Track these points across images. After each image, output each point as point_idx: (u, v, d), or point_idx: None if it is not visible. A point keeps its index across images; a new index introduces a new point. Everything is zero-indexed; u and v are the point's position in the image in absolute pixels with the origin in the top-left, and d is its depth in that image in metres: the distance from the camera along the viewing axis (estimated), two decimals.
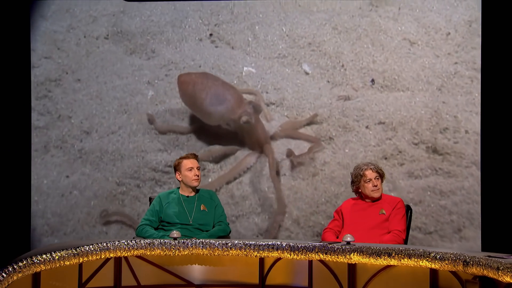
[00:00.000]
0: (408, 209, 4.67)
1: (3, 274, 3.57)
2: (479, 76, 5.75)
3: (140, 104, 6.07)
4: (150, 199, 4.96)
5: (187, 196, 4.75)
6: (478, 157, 5.74)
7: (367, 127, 5.88)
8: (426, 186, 5.79)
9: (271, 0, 5.97)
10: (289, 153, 5.92)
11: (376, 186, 4.55)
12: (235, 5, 6.02)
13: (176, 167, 4.74)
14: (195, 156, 4.75)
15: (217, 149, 6.03)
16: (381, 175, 4.59)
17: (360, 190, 4.62)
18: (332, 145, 5.91)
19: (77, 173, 6.08)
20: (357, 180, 4.60)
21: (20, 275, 3.65)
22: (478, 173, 5.75)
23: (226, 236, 4.71)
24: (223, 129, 6.04)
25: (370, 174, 4.55)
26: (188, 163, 4.70)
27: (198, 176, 4.71)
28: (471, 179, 5.74)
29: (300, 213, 5.94)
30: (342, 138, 5.91)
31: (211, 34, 6.05)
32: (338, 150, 5.91)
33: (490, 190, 5.65)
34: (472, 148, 5.74)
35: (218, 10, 6.03)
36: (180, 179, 4.74)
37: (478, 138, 5.75)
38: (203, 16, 6.05)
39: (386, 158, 5.86)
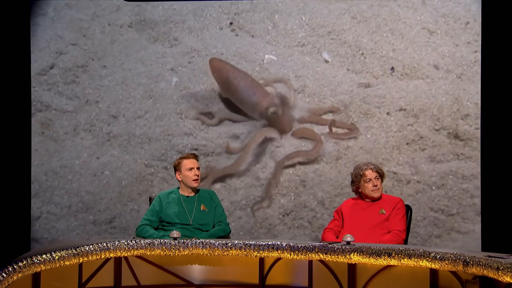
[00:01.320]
0: (408, 209, 4.73)
1: (3, 274, 3.59)
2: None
3: (165, 90, 6.28)
4: (150, 199, 5.02)
5: (187, 196, 4.81)
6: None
7: (388, 113, 6.10)
8: (448, 170, 6.00)
9: None
10: (332, 123, 6.17)
11: (376, 186, 4.59)
12: None
13: (176, 167, 4.81)
14: (195, 156, 4.82)
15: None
16: (381, 175, 4.63)
17: (360, 190, 4.67)
18: (355, 131, 6.17)
19: (106, 155, 6.34)
20: (357, 180, 4.65)
21: (20, 275, 3.67)
22: None
23: (226, 236, 4.75)
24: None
25: (370, 174, 4.60)
26: (188, 163, 4.77)
27: (198, 176, 4.77)
28: None
29: (325, 195, 6.19)
30: (363, 124, 6.13)
31: (231, 23, 6.24)
32: (360, 135, 6.14)
33: (490, 190, 5.81)
34: None
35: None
36: (180, 179, 4.80)
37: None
38: (223, 6, 6.20)
39: (407, 144, 6.08)
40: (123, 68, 6.33)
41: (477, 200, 5.99)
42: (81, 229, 6.38)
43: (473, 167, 5.99)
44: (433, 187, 5.99)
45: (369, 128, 6.12)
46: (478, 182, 5.98)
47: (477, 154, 5.99)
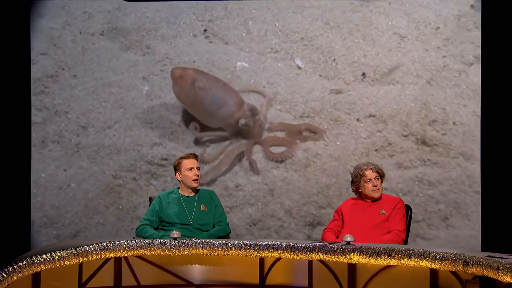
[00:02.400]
0: (408, 209, 4.82)
1: (3, 274, 3.65)
2: (467, 69, 6.07)
3: (135, 99, 6.39)
4: (150, 199, 5.12)
5: (187, 196, 4.92)
6: (465, 148, 6.08)
7: (358, 120, 6.23)
8: (414, 176, 6.14)
9: None
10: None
11: (376, 186, 4.69)
12: (229, 2, 6.31)
13: (176, 167, 4.90)
14: (195, 156, 4.92)
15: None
16: (381, 175, 4.73)
17: (360, 190, 4.76)
18: (324, 138, 6.25)
19: (74, 166, 6.41)
20: (357, 180, 4.74)
21: (20, 275, 3.73)
22: (465, 164, 6.07)
23: (226, 236, 4.86)
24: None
25: (370, 174, 4.70)
26: (188, 163, 4.87)
27: (198, 176, 4.87)
28: (458, 170, 6.09)
29: (292, 204, 6.29)
30: (334, 131, 6.25)
31: (205, 30, 6.39)
32: (330, 142, 6.25)
33: (490, 190, 5.92)
34: (459, 139, 6.10)
35: (212, 6, 6.32)
36: (180, 179, 4.89)
37: (466, 129, 6.07)
38: (197, 13, 6.36)
39: (376, 150, 6.20)
40: (94, 77, 6.44)
41: (442, 206, 6.11)
42: (42, 245, 6.37)
43: (439, 173, 6.11)
44: (400, 194, 6.09)
45: (339, 135, 6.23)
46: (443, 188, 6.10)
47: (443, 159, 6.12)
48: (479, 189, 6.04)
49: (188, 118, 6.37)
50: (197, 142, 6.34)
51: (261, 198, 6.31)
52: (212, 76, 6.32)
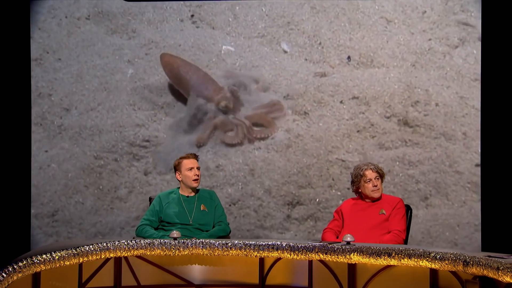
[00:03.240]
0: (408, 209, 4.91)
1: (3, 274, 3.73)
2: (452, 51, 6.24)
3: (120, 81, 6.51)
4: (150, 199, 5.22)
5: (187, 196, 5.00)
6: (446, 129, 6.23)
7: (341, 102, 6.37)
8: (395, 156, 6.27)
9: None
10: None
11: (376, 186, 4.78)
12: None
13: (176, 167, 4.99)
14: (195, 156, 5.02)
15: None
16: (381, 175, 4.82)
17: (360, 190, 4.85)
18: (307, 119, 6.38)
19: (56, 148, 6.51)
20: (357, 180, 4.83)
21: (20, 275, 3.81)
22: (446, 144, 6.23)
23: (226, 236, 4.95)
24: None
25: (370, 174, 4.79)
26: (188, 163, 4.96)
27: (198, 176, 4.97)
28: (439, 150, 6.23)
29: (272, 183, 6.40)
30: (317, 112, 6.38)
31: (192, 15, 6.55)
32: (312, 124, 6.39)
33: (490, 190, 6.02)
34: (441, 120, 6.24)
35: None
36: (180, 179, 4.98)
37: (447, 110, 6.23)
38: None
39: (358, 131, 6.33)
40: (79, 60, 6.58)
41: (422, 186, 6.24)
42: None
43: (420, 153, 6.25)
44: None
45: (321, 116, 6.36)
46: (423, 168, 6.24)
47: (424, 140, 6.28)
48: (459, 168, 6.19)
49: (171, 100, 6.48)
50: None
51: (241, 178, 6.41)
52: (194, 65, 6.46)
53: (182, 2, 6.52)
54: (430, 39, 6.30)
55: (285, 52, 6.42)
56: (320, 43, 6.40)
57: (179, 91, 6.48)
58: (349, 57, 6.35)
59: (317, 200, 6.33)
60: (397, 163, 6.27)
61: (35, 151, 6.51)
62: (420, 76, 6.30)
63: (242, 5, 6.49)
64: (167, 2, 6.55)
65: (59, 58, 6.58)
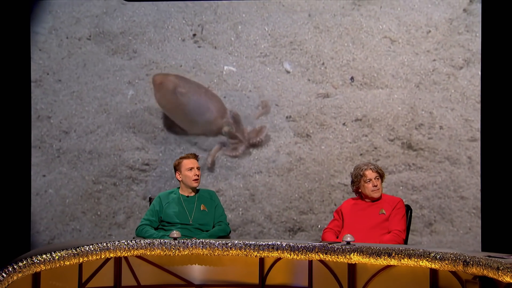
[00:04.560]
0: (408, 209, 5.04)
1: (3, 274, 3.82)
2: (456, 72, 6.31)
3: (120, 103, 6.61)
4: (150, 199, 5.37)
5: (187, 196, 5.15)
6: (451, 153, 6.28)
7: (344, 124, 6.44)
8: (398, 181, 6.32)
9: (255, 1, 6.57)
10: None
11: (376, 186, 4.91)
12: (218, 6, 6.58)
13: (176, 167, 5.14)
14: (195, 156, 5.16)
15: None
16: (381, 175, 4.96)
17: (360, 190, 4.99)
18: (309, 142, 6.45)
19: (54, 172, 6.62)
20: (357, 180, 4.97)
21: (20, 275, 3.90)
22: (450, 168, 6.27)
23: (226, 236, 5.08)
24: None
25: (370, 174, 4.93)
26: (188, 163, 5.10)
27: (198, 176, 5.11)
28: (443, 174, 6.27)
29: (273, 209, 6.48)
30: (319, 135, 6.46)
31: (194, 35, 6.64)
32: (315, 146, 6.46)
33: (490, 190, 6.09)
34: (446, 143, 6.28)
35: (201, 10, 6.60)
36: (180, 179, 5.13)
37: (452, 133, 6.28)
38: (187, 17, 6.63)
39: (361, 154, 6.39)
40: (79, 82, 6.69)
41: (426, 211, 6.28)
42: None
43: (424, 177, 6.30)
44: None
45: (324, 139, 6.44)
46: (427, 193, 6.29)
47: (428, 164, 6.33)
48: (464, 194, 6.21)
49: (170, 123, 6.57)
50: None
51: (241, 203, 6.49)
52: (194, 82, 6.57)
53: (183, 21, 6.61)
54: (434, 60, 6.36)
55: (288, 72, 6.51)
56: (323, 63, 6.48)
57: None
58: (352, 78, 6.42)
59: (319, 226, 6.39)
60: (401, 187, 6.33)
61: (33, 175, 6.61)
62: (424, 98, 6.36)
63: (245, 24, 6.58)
64: (168, 21, 6.64)
65: (59, 79, 6.69)
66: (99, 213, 6.59)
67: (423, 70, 6.37)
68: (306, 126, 6.47)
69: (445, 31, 6.34)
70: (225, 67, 6.57)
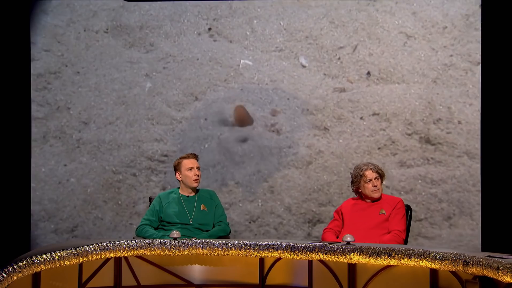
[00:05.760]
0: (408, 209, 4.99)
1: (3, 274, 3.77)
2: (474, 68, 6.22)
3: (138, 95, 6.55)
4: (150, 199, 5.30)
5: (187, 196, 5.08)
6: (469, 147, 6.20)
7: (361, 118, 6.37)
8: (417, 175, 6.26)
9: None
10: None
11: (376, 186, 4.86)
12: (233, 1, 6.50)
13: (176, 167, 5.07)
14: (195, 156, 5.09)
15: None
16: (381, 175, 4.90)
17: (360, 190, 4.93)
18: (327, 135, 6.38)
19: (74, 162, 6.57)
20: (357, 180, 4.91)
21: (20, 275, 3.85)
22: (469, 163, 6.19)
23: (226, 236, 5.01)
24: None
25: (370, 174, 4.87)
26: (188, 163, 5.03)
27: (198, 176, 5.03)
28: (462, 168, 6.21)
29: (292, 201, 6.43)
30: (336, 128, 6.39)
31: (209, 29, 6.58)
32: (332, 140, 6.39)
33: (490, 189, 6.04)
34: (464, 138, 6.22)
35: (217, 5, 6.49)
36: (180, 179, 5.06)
37: (470, 128, 6.20)
38: (202, 11, 6.53)
39: (379, 148, 6.34)
40: (97, 74, 6.62)
41: (445, 205, 6.23)
42: (41, 239, 6.53)
43: (442, 171, 6.24)
44: (402, 192, 6.21)
45: (341, 133, 6.38)
46: (446, 187, 6.23)
47: (447, 158, 6.26)
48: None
49: (189, 115, 6.54)
50: None
51: (260, 195, 6.45)
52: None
53: (199, 15, 6.56)
54: (451, 55, 6.28)
55: (304, 66, 6.45)
56: (339, 58, 6.42)
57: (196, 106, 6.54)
58: (368, 72, 6.36)
59: None
60: (419, 181, 6.27)
61: (54, 164, 6.58)
62: (442, 93, 6.29)
63: (260, 19, 6.51)
64: (184, 15, 6.59)
65: (78, 71, 6.63)
66: (119, 202, 6.57)
67: (440, 65, 6.29)
68: (323, 120, 6.42)
69: (461, 27, 6.25)
70: (242, 61, 6.52)
